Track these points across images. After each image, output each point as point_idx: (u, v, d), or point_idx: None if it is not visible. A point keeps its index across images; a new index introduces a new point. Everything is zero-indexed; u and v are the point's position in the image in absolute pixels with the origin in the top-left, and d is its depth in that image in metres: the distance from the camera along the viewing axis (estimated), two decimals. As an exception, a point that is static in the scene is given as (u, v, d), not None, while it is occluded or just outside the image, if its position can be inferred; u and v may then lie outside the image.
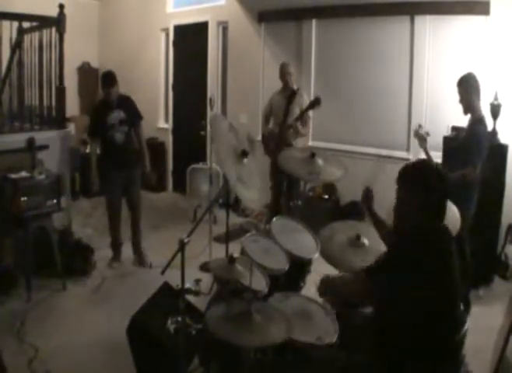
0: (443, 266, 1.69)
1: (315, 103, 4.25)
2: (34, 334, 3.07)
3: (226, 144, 2.54)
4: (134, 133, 4.20)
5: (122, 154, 4.11)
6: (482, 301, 3.55)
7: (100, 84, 4.09)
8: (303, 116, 4.45)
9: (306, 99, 4.68)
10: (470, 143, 3.32)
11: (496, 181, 3.82)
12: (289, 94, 4.59)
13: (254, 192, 2.60)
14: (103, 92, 4.05)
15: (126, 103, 4.17)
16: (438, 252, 1.71)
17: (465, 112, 3.41)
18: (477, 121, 3.35)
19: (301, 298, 2.44)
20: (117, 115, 4.06)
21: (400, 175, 1.81)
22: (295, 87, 4.66)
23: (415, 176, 1.79)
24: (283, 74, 4.68)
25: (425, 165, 1.90)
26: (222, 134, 2.59)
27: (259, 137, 5.46)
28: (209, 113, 5.45)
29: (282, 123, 4.58)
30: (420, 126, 3.58)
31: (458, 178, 3.20)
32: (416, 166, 1.84)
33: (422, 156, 4.32)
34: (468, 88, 3.35)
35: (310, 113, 4.60)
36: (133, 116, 4.19)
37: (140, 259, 4.30)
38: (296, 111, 4.55)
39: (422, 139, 3.49)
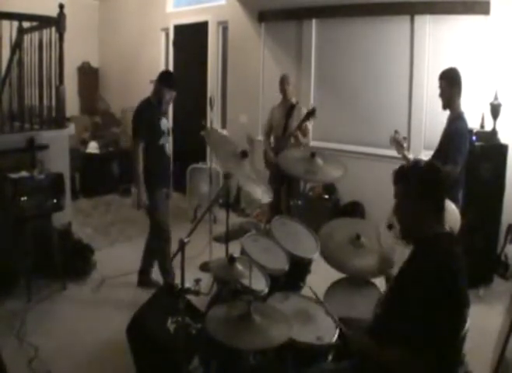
0: (459, 271, 1.67)
1: (310, 114, 4.23)
2: (34, 334, 3.07)
3: (224, 151, 2.55)
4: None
5: (169, 168, 3.70)
6: (482, 301, 3.55)
7: (163, 83, 3.54)
8: (301, 127, 4.43)
9: (304, 113, 4.66)
10: (451, 139, 3.27)
11: (496, 181, 3.82)
12: (287, 108, 4.59)
13: (262, 185, 2.60)
14: (165, 93, 3.52)
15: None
16: (458, 257, 1.70)
17: (444, 107, 3.37)
18: (457, 117, 3.31)
19: (301, 298, 2.44)
20: (166, 122, 3.64)
21: (396, 178, 1.79)
22: (294, 100, 4.65)
23: (411, 175, 1.77)
24: (282, 85, 4.63)
25: (420, 164, 1.86)
26: (218, 143, 2.58)
27: (259, 137, 5.46)
28: (208, 114, 5.45)
29: (280, 138, 4.58)
30: (396, 131, 3.50)
31: None
32: (412, 166, 1.82)
33: (422, 156, 4.34)
34: (450, 82, 3.31)
35: (310, 125, 4.58)
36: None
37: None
38: (295, 125, 4.51)
39: (399, 145, 3.42)
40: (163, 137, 3.60)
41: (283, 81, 4.63)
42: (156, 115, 3.57)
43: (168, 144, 3.68)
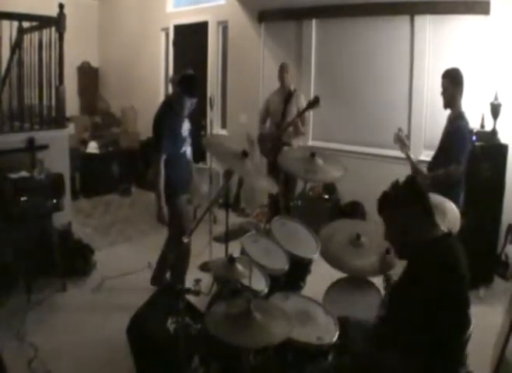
0: (459, 276, 1.67)
1: (314, 103, 4.26)
2: (34, 334, 3.07)
3: (224, 153, 2.58)
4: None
5: (190, 173, 3.60)
6: (482, 301, 3.54)
7: (184, 90, 3.37)
8: (302, 115, 4.47)
9: (303, 99, 4.70)
10: (452, 139, 3.27)
11: (496, 181, 3.82)
12: (286, 95, 4.61)
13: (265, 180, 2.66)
14: (186, 100, 3.35)
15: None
16: (454, 264, 1.70)
17: (445, 106, 3.37)
18: (457, 117, 3.31)
19: (301, 298, 2.44)
20: (187, 126, 3.53)
21: (379, 206, 1.86)
22: (292, 87, 4.69)
23: (392, 195, 1.83)
24: (281, 73, 4.72)
25: (393, 187, 1.89)
26: (218, 147, 2.60)
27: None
28: (208, 113, 5.44)
29: (279, 124, 4.60)
30: (400, 129, 3.49)
31: (444, 176, 3.17)
32: (390, 188, 1.86)
33: (423, 156, 4.34)
34: (452, 81, 3.30)
35: (308, 112, 4.60)
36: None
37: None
38: (293, 111, 4.59)
39: (402, 143, 3.41)
40: (185, 144, 3.51)
41: (282, 69, 4.71)
42: (177, 122, 3.44)
43: (190, 148, 3.57)
